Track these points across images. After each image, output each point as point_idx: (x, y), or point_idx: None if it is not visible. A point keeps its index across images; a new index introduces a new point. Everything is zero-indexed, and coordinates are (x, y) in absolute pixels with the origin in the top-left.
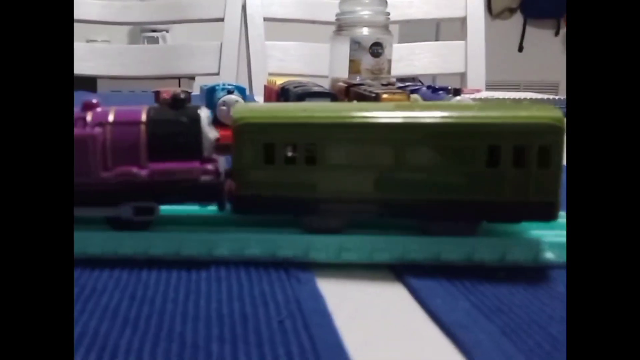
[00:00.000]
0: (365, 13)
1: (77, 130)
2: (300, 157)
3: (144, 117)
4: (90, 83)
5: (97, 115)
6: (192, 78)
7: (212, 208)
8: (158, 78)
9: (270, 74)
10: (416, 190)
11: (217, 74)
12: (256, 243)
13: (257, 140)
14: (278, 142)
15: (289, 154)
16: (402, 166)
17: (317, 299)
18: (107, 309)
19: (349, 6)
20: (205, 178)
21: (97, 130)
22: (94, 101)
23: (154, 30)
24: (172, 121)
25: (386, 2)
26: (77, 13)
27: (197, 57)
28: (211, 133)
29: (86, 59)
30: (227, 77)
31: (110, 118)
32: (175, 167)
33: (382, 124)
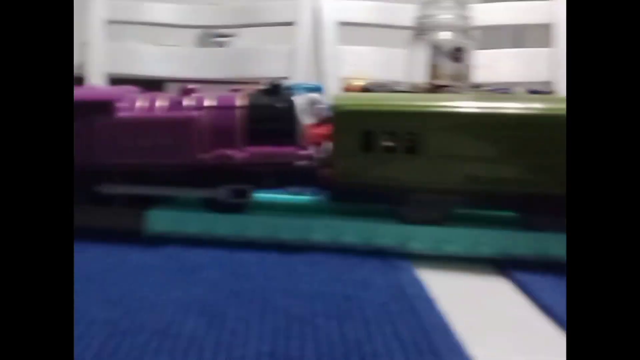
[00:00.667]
0: (446, 17)
1: (176, 113)
2: (400, 146)
3: (240, 102)
4: (157, 86)
5: (196, 100)
6: (257, 83)
7: (302, 196)
8: (226, 82)
9: (344, 79)
10: (520, 184)
11: (287, 78)
12: (352, 231)
13: (356, 128)
14: (377, 130)
15: (388, 143)
16: (506, 158)
17: (419, 286)
18: (211, 281)
19: (430, 10)
20: (300, 163)
21: (196, 113)
22: (192, 87)
23: (222, 35)
24: (267, 106)
25: (468, 6)
26: (147, 16)
27: (267, 61)
28: (305, 120)
29: (155, 61)
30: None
31: (208, 103)
32: (270, 151)
33: (488, 114)
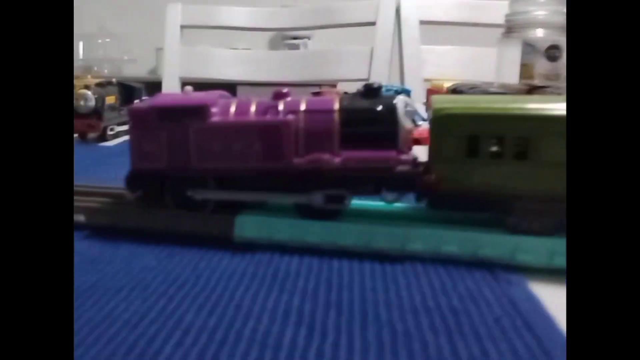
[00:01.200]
0: (540, 13)
1: (270, 117)
2: (509, 151)
3: (336, 106)
4: (230, 89)
5: (289, 104)
6: (333, 85)
7: (399, 204)
8: (300, 85)
9: (426, 80)
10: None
11: (367, 79)
12: (455, 240)
13: (460, 133)
14: (483, 135)
15: (494, 148)
16: None
17: (534, 301)
18: (306, 291)
19: (522, 6)
20: (401, 168)
21: (290, 117)
22: (285, 90)
23: (295, 38)
24: (367, 109)
25: (563, 1)
26: (221, 20)
27: (345, 63)
28: (407, 123)
29: (229, 65)
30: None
31: (302, 107)
32: (369, 156)
33: None
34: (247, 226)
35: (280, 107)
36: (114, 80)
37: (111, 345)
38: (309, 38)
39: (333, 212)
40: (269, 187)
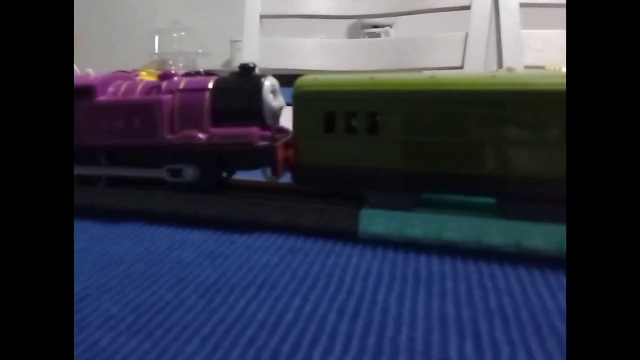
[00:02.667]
0: None
1: (145, 97)
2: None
3: (210, 85)
4: None
5: (171, 83)
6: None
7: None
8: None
9: (527, 67)
10: None
11: (461, 67)
12: None
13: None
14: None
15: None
16: None
17: None
18: (459, 295)
19: None
20: (262, 144)
21: (166, 96)
22: (172, 71)
23: (376, 26)
24: (235, 88)
25: None
26: (302, 8)
27: (437, 50)
28: (275, 101)
29: (311, 54)
30: (473, 70)
31: (181, 86)
32: (231, 132)
33: None
34: (376, 221)
35: (163, 86)
36: (201, 70)
37: (252, 349)
38: (390, 26)
39: (198, 186)
40: (148, 163)
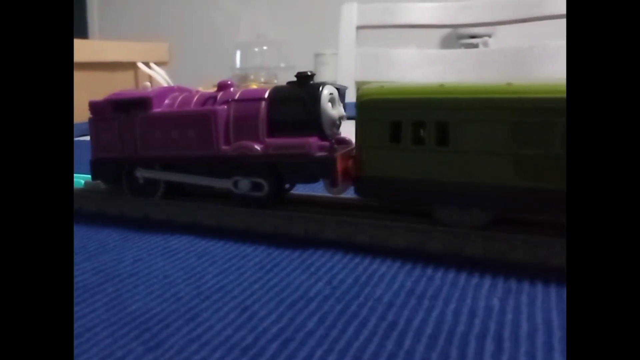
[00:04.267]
0: None
1: (200, 107)
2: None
3: (266, 95)
4: None
5: (226, 94)
6: None
7: None
8: None
9: None
10: None
11: None
12: None
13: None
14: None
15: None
16: None
17: None
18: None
19: None
20: (320, 154)
21: (221, 107)
22: (229, 82)
23: (473, 37)
24: (291, 97)
25: None
26: (402, 18)
27: (554, 60)
28: (333, 110)
29: (415, 66)
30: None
31: (236, 96)
32: (287, 142)
33: None
34: None
35: (219, 97)
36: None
37: None
38: (489, 36)
39: (256, 200)
40: (204, 173)
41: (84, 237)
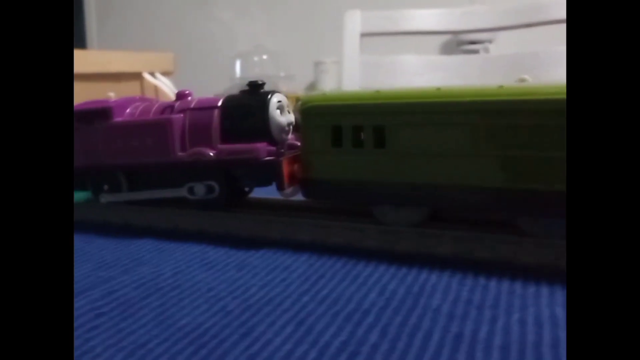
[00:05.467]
0: None
1: (157, 116)
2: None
3: (219, 103)
4: None
5: (183, 103)
6: None
7: None
8: None
9: None
10: None
11: None
12: None
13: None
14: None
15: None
16: None
17: None
18: None
19: None
20: (269, 159)
21: (176, 115)
22: (187, 91)
23: (473, 42)
24: (242, 105)
25: None
26: (405, 25)
27: (560, 64)
28: (282, 117)
29: (420, 72)
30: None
31: (192, 105)
32: (238, 148)
33: None
34: None
35: (176, 106)
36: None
37: None
38: (490, 41)
39: (209, 202)
40: (163, 180)
41: (115, 250)
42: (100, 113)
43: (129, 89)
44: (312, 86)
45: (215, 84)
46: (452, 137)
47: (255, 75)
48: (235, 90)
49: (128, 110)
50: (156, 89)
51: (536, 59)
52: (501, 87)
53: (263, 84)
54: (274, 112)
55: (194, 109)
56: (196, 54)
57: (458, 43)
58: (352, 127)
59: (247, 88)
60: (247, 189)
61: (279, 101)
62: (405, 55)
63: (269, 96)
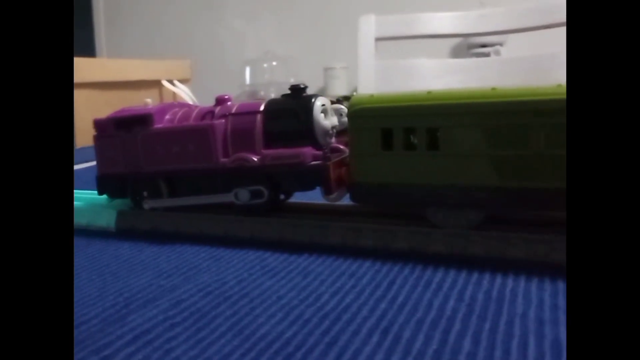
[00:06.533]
0: None
1: (198, 122)
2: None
3: (262, 108)
4: None
5: (224, 108)
6: None
7: None
8: None
9: None
10: None
11: None
12: None
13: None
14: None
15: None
16: None
17: None
18: None
19: None
20: (315, 163)
21: (218, 121)
22: (226, 96)
23: (484, 45)
24: (285, 109)
25: None
26: (420, 28)
27: None
28: (326, 121)
29: (437, 75)
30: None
31: (233, 110)
32: (282, 153)
33: None
34: None
35: (216, 111)
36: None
37: None
38: (501, 44)
39: (257, 208)
40: (205, 186)
41: (170, 257)
42: (141, 120)
43: (148, 97)
44: (322, 91)
45: (226, 91)
46: (509, 138)
47: (265, 81)
48: (245, 98)
49: (167, 117)
50: (174, 96)
51: (553, 61)
52: (559, 85)
53: (305, 88)
54: (319, 115)
55: (235, 114)
56: (207, 61)
57: (469, 46)
58: (404, 129)
59: (288, 92)
60: (282, 197)
61: (323, 104)
62: (420, 59)
63: (313, 100)
